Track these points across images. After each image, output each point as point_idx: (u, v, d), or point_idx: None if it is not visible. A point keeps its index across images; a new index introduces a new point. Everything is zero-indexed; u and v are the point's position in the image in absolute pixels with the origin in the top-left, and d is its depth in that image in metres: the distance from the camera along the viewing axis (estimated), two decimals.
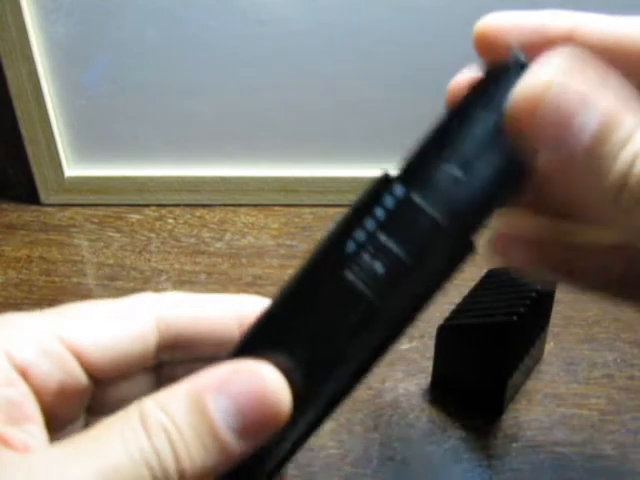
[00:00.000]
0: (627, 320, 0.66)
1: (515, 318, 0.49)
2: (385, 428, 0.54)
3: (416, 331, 0.64)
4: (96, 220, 0.83)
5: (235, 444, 0.21)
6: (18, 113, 0.79)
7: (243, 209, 0.83)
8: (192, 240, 0.79)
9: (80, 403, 0.27)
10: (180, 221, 0.82)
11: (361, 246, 0.22)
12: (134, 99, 0.80)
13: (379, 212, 0.21)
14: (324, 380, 0.22)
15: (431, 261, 0.21)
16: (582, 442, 0.53)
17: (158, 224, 0.82)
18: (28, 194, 0.85)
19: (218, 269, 0.74)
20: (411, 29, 0.75)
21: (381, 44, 0.76)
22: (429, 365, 0.58)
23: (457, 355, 0.56)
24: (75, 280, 0.72)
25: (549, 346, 0.62)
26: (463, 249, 0.21)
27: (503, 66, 0.22)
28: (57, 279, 0.72)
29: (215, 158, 0.82)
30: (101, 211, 0.84)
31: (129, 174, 0.84)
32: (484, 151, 0.21)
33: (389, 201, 0.21)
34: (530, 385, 0.59)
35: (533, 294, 0.52)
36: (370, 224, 0.21)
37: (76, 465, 0.20)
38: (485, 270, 0.63)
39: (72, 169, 0.85)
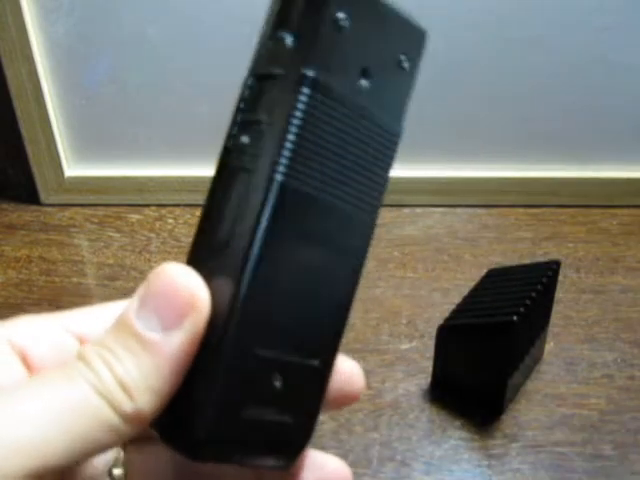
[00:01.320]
0: (627, 320, 0.66)
1: (515, 318, 0.49)
2: (385, 428, 0.54)
3: (416, 331, 0.64)
4: (96, 220, 0.83)
5: (161, 338, 0.21)
6: (18, 113, 0.79)
7: None
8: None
9: None
10: (180, 221, 0.82)
11: (233, 135, 0.24)
12: (134, 99, 0.80)
13: (241, 104, 0.24)
14: (242, 266, 0.23)
15: (278, 112, 0.23)
16: (582, 442, 0.53)
17: (158, 224, 0.82)
18: (28, 194, 0.85)
19: None
20: None
21: None
22: (429, 365, 0.58)
23: (457, 355, 0.56)
24: (75, 280, 0.72)
25: (549, 346, 0.62)
26: (304, 91, 0.23)
27: None
28: (57, 279, 0.72)
29: (215, 158, 0.82)
30: (101, 211, 0.84)
31: (129, 174, 0.84)
32: (304, 13, 0.24)
33: (245, 91, 0.24)
34: (530, 385, 0.59)
35: (533, 294, 0.52)
36: (237, 116, 0.25)
37: (27, 409, 0.20)
38: (485, 270, 0.63)
39: (72, 169, 0.85)
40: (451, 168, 0.83)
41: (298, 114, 0.22)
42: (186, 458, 0.23)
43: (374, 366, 0.60)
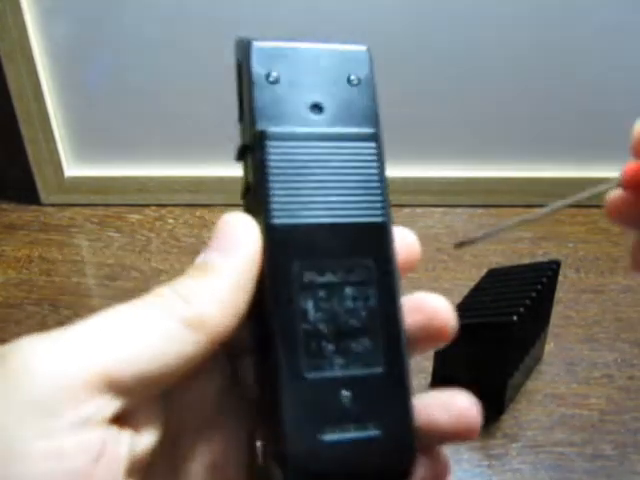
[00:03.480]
0: (627, 320, 0.66)
1: (515, 318, 0.49)
2: None
3: None
4: (96, 220, 0.82)
5: (220, 262, 0.25)
6: (18, 113, 0.79)
7: None
8: (192, 240, 0.79)
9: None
10: (180, 221, 0.82)
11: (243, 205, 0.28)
12: (134, 99, 0.80)
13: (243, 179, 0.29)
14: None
15: (254, 171, 0.26)
16: (582, 442, 0.53)
17: (158, 224, 0.82)
18: (28, 194, 0.85)
19: None
20: (401, 30, 0.75)
21: (375, 46, 0.76)
22: (429, 365, 0.58)
23: (457, 355, 0.56)
24: (75, 280, 0.72)
25: (549, 346, 0.62)
26: (260, 145, 0.26)
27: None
28: (57, 279, 0.72)
29: (215, 158, 0.82)
30: (101, 211, 0.84)
31: (129, 174, 0.84)
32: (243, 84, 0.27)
33: (243, 168, 0.28)
34: (530, 385, 0.59)
35: (533, 294, 0.52)
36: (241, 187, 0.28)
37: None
38: (485, 270, 0.63)
39: (72, 169, 0.85)
40: (451, 168, 0.83)
41: (264, 164, 0.26)
42: None
43: None
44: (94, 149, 0.84)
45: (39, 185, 0.84)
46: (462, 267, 0.72)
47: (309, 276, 0.25)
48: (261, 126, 0.26)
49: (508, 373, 0.53)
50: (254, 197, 0.26)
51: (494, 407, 0.55)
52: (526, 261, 0.72)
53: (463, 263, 0.73)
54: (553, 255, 0.75)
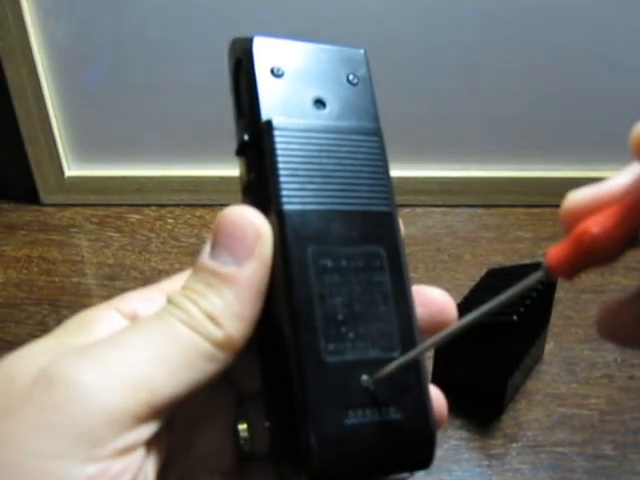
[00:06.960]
0: None
1: (515, 318, 0.49)
2: None
3: None
4: (96, 220, 0.82)
5: (237, 270, 0.24)
6: (18, 113, 0.79)
7: None
8: (192, 240, 0.79)
9: None
10: (180, 221, 0.82)
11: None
12: (134, 99, 0.80)
13: (240, 181, 0.28)
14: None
15: (259, 162, 0.26)
16: (582, 442, 0.53)
17: (158, 224, 0.82)
18: (28, 194, 0.85)
19: None
20: (405, 28, 0.75)
21: (376, 46, 0.76)
22: (429, 365, 0.58)
23: (457, 355, 0.56)
24: (75, 280, 0.72)
25: (549, 346, 0.62)
26: (267, 135, 0.26)
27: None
28: (57, 279, 0.72)
29: (215, 158, 0.82)
30: (101, 211, 0.84)
31: (129, 174, 0.84)
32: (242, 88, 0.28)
33: (239, 169, 0.28)
34: (530, 385, 0.59)
35: (533, 294, 0.52)
36: (242, 195, 0.28)
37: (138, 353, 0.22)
38: (485, 270, 0.63)
39: (72, 169, 0.85)
40: (451, 168, 0.83)
41: (272, 152, 0.26)
42: None
43: None
44: (94, 149, 0.84)
45: (39, 185, 0.84)
46: (462, 267, 0.72)
47: (324, 261, 0.25)
48: (266, 117, 0.26)
49: (508, 373, 0.53)
50: (259, 188, 0.26)
51: (494, 407, 0.55)
52: (526, 261, 0.72)
53: (463, 263, 0.73)
54: None
